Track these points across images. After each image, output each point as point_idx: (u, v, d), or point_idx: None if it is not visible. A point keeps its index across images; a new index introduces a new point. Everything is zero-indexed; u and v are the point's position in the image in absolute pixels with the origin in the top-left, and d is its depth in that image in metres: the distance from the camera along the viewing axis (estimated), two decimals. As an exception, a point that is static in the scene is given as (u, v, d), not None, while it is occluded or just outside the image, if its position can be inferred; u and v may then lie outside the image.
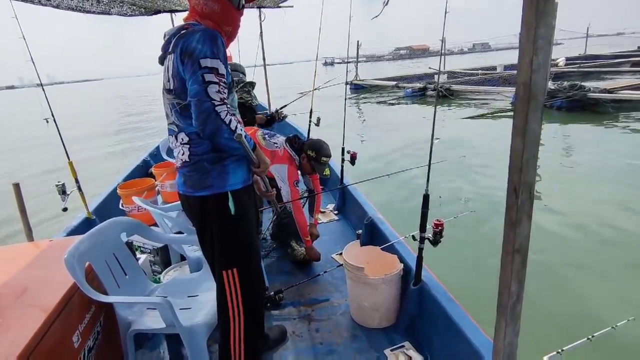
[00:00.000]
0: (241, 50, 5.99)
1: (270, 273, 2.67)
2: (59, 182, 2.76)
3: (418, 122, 10.83)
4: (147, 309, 1.78)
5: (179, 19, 5.09)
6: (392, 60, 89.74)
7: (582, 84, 10.71)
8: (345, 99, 3.66)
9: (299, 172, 2.74)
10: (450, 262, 3.37)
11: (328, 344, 2.01)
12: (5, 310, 1.40)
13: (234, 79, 3.93)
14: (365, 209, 2.94)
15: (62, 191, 2.75)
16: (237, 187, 1.51)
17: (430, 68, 19.61)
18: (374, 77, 22.41)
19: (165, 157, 4.57)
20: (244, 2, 1.56)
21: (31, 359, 1.22)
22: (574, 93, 10.24)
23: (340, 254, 2.50)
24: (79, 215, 2.89)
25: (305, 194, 2.93)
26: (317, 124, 4.45)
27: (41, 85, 2.74)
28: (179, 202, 1.64)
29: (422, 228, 1.87)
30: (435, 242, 1.85)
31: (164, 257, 2.54)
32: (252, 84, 3.99)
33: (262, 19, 5.64)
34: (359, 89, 19.79)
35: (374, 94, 18.48)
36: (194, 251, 2.28)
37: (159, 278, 2.40)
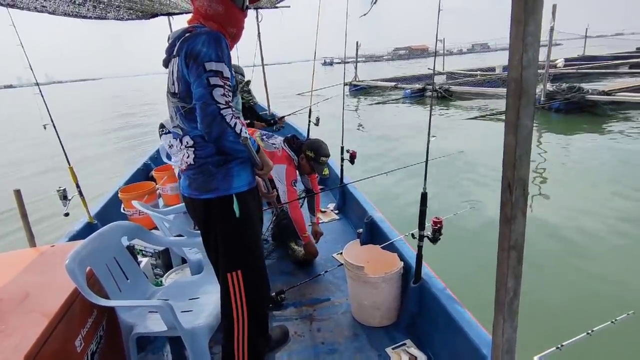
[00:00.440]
0: (239, 50, 6.01)
1: (272, 274, 2.67)
2: (59, 187, 2.77)
3: (417, 122, 10.81)
4: (149, 312, 1.79)
5: (177, 21, 5.11)
6: (391, 60, 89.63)
7: (581, 85, 10.67)
8: (344, 100, 3.65)
9: (298, 172, 2.75)
10: (451, 259, 3.38)
11: (329, 343, 2.01)
12: (7, 316, 1.41)
13: (240, 79, 3.96)
14: (366, 208, 2.94)
15: (64, 196, 2.77)
16: (242, 189, 1.51)
17: (429, 69, 19.61)
18: (373, 77, 22.41)
19: (165, 160, 4.59)
20: (247, 3, 1.56)
21: (34, 364, 1.23)
22: (572, 95, 10.21)
23: (341, 253, 2.50)
24: (81, 220, 2.91)
25: (303, 194, 2.94)
26: (317, 124, 4.46)
27: (40, 92, 2.74)
28: (177, 205, 1.65)
29: (421, 226, 1.87)
30: (434, 239, 1.85)
31: (166, 260, 2.55)
32: (248, 83, 4.01)
33: (259, 20, 5.65)
34: (358, 89, 19.79)
35: (374, 94, 18.46)
36: (194, 254, 2.29)
37: (161, 281, 2.42)
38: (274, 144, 2.68)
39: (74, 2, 2.60)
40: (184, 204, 1.68)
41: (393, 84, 18.95)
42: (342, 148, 3.47)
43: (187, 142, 1.47)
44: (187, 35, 1.39)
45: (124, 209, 3.37)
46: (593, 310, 2.84)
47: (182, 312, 1.76)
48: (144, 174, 4.46)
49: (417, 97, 15.61)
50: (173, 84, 1.44)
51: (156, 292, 1.95)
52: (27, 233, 2.65)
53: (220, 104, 1.33)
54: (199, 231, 1.70)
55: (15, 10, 2.48)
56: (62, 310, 1.45)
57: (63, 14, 2.77)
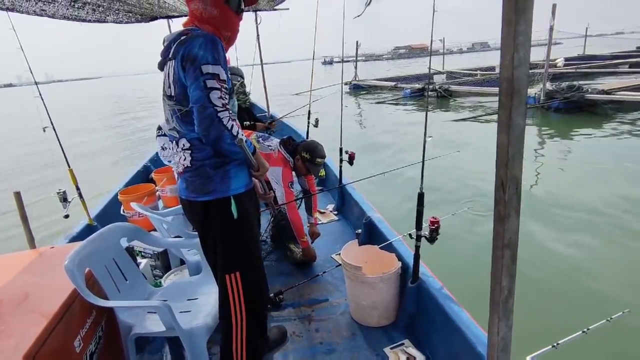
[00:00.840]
0: (238, 50, 6.03)
1: (270, 274, 2.68)
2: (59, 189, 2.78)
3: (416, 122, 10.83)
4: (148, 312, 1.79)
5: (176, 24, 5.13)
6: (391, 59, 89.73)
7: (580, 84, 10.67)
8: (342, 100, 3.66)
9: (294, 173, 2.75)
10: (449, 258, 3.39)
11: (328, 343, 2.02)
12: (6, 317, 1.41)
13: (234, 82, 3.97)
14: (364, 209, 2.95)
15: (64, 199, 2.78)
16: (240, 191, 1.52)
17: (429, 68, 19.63)
18: (373, 77, 22.45)
19: (165, 162, 4.60)
20: (243, 7, 1.57)
21: (33, 364, 1.24)
22: (571, 94, 10.21)
23: (340, 254, 2.51)
24: (81, 222, 2.92)
25: (300, 194, 2.95)
26: (316, 125, 4.47)
27: (39, 95, 2.75)
28: (175, 207, 1.66)
29: (418, 226, 1.88)
30: (432, 239, 1.86)
31: (165, 261, 2.56)
32: (242, 84, 4.02)
33: (258, 22, 5.67)
34: (358, 89, 19.81)
35: (373, 94, 18.49)
36: (192, 255, 2.30)
37: (160, 282, 2.43)
38: (270, 146, 2.70)
39: (73, 5, 2.62)
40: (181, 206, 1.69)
41: (393, 83, 18.98)
42: (340, 149, 3.48)
43: (183, 145, 1.48)
44: (183, 38, 1.40)
45: (123, 211, 3.38)
46: (588, 309, 2.85)
47: (180, 312, 1.77)
48: (143, 176, 4.47)
49: (417, 96, 15.63)
50: (169, 86, 1.45)
51: (155, 292, 1.96)
52: (26, 234, 2.66)
53: (217, 106, 1.34)
54: (197, 233, 1.71)
55: (15, 13, 2.50)
56: (61, 311, 1.46)
57: (62, 18, 2.79)
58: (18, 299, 1.53)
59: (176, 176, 1.68)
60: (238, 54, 6.02)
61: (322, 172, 2.70)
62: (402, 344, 1.95)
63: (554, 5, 10.15)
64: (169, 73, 1.44)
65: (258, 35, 6.08)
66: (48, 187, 2.94)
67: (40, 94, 2.75)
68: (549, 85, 10.92)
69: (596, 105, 10.28)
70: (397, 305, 2.13)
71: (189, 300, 1.90)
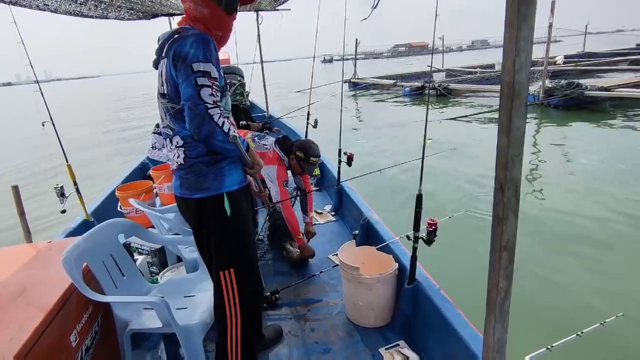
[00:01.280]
0: (238, 48, 6.04)
1: (267, 274, 2.69)
2: (57, 184, 2.78)
3: (415, 121, 10.86)
4: (144, 309, 1.80)
5: (177, 22, 5.14)
6: (390, 57, 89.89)
7: (579, 82, 10.75)
8: (342, 102, 3.68)
9: (290, 172, 2.76)
10: (448, 260, 3.40)
11: (323, 343, 2.02)
12: (3, 310, 1.41)
13: (232, 81, 3.98)
14: (362, 210, 2.96)
15: (61, 194, 2.77)
16: (234, 188, 1.53)
17: (428, 66, 19.70)
18: (372, 75, 22.47)
19: (154, 159, 4.60)
20: (236, 7, 1.57)
21: (29, 357, 1.24)
22: (571, 91, 10.28)
23: (337, 254, 2.52)
24: (78, 218, 2.91)
25: (295, 192, 2.95)
26: (315, 126, 4.47)
27: (39, 89, 2.75)
28: (174, 204, 1.66)
29: (416, 227, 1.89)
30: (429, 241, 1.87)
31: (162, 258, 2.56)
32: (243, 85, 4.03)
33: (259, 22, 5.68)
34: (357, 87, 19.84)
35: (373, 92, 18.52)
36: (190, 252, 2.30)
37: (157, 279, 2.42)
38: (266, 145, 2.70)
39: (76, 1, 2.62)
40: None
41: (392, 81, 18.99)
42: (339, 150, 3.49)
43: (177, 142, 1.49)
44: (175, 36, 1.42)
45: (120, 207, 3.38)
46: (583, 313, 2.87)
47: (177, 309, 1.77)
48: (141, 172, 4.46)
49: (416, 95, 15.68)
50: (162, 85, 1.46)
51: (152, 289, 1.96)
52: (24, 229, 2.66)
53: (208, 103, 1.35)
54: None
55: (16, 8, 2.50)
56: (57, 305, 1.46)
57: (65, 13, 2.79)
58: (15, 292, 1.53)
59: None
60: (238, 53, 6.03)
61: (317, 172, 2.70)
62: (398, 344, 1.96)
63: (553, 2, 10.19)
64: (162, 71, 1.46)
65: (259, 34, 6.08)
66: (47, 186, 2.93)
67: (40, 88, 2.75)
68: (548, 83, 10.98)
69: (596, 102, 10.34)
70: (393, 306, 2.14)
71: (185, 297, 1.90)
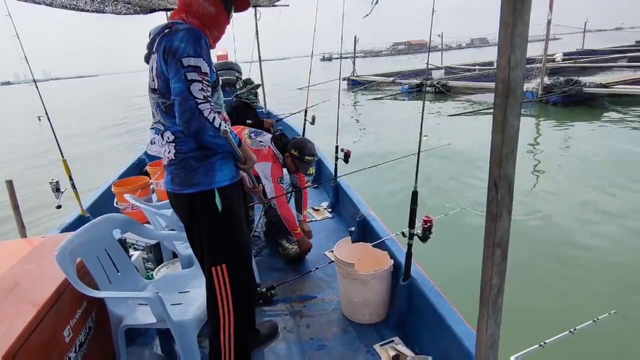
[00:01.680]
0: (237, 45, 6.00)
1: (263, 270, 2.69)
2: (52, 180, 2.76)
3: (414, 120, 10.87)
4: (139, 304, 1.79)
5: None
6: (390, 55, 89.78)
7: (578, 79, 10.78)
8: (339, 100, 3.67)
9: (285, 169, 2.75)
10: (443, 257, 3.41)
11: (318, 339, 2.03)
12: (-4, 305, 1.41)
13: (231, 77, 3.98)
14: (358, 207, 2.96)
15: (56, 189, 2.76)
16: (224, 184, 1.52)
17: (426, 64, 19.68)
18: (371, 73, 22.44)
19: (152, 154, 4.58)
20: (233, 12, 1.59)
21: (21, 352, 1.24)
22: (569, 88, 10.30)
23: (333, 251, 2.52)
24: (73, 213, 2.90)
25: (290, 188, 2.94)
26: (313, 123, 4.47)
27: (35, 84, 2.73)
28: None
29: (411, 224, 1.89)
30: (424, 238, 1.87)
31: (157, 254, 2.56)
32: (258, 86, 4.05)
33: (257, 18, 5.65)
34: (356, 85, 19.82)
35: (372, 90, 18.51)
36: (185, 248, 2.29)
37: (152, 275, 2.42)
38: (262, 141, 2.69)
39: (71, -7, 2.60)
40: None
41: (391, 79, 19.00)
42: (336, 147, 3.48)
43: (168, 138, 1.48)
44: (166, 31, 1.41)
45: (116, 203, 3.37)
46: (576, 310, 2.89)
47: (171, 305, 1.77)
48: (138, 168, 4.44)
49: (415, 92, 15.68)
50: (153, 80, 1.45)
51: (146, 285, 1.96)
52: (18, 224, 2.64)
53: (198, 98, 1.34)
54: None
55: (12, 2, 2.47)
56: (51, 300, 1.45)
57: (61, 6, 2.77)
58: (8, 287, 1.52)
59: None
60: (236, 52, 6.00)
61: (312, 170, 2.68)
62: (392, 341, 1.96)
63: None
64: (153, 66, 1.45)
65: (257, 31, 6.06)
66: (43, 181, 2.93)
67: (35, 83, 2.73)
68: (546, 80, 11.00)
69: (594, 98, 10.38)
70: (388, 303, 2.14)
71: (180, 293, 1.90)
